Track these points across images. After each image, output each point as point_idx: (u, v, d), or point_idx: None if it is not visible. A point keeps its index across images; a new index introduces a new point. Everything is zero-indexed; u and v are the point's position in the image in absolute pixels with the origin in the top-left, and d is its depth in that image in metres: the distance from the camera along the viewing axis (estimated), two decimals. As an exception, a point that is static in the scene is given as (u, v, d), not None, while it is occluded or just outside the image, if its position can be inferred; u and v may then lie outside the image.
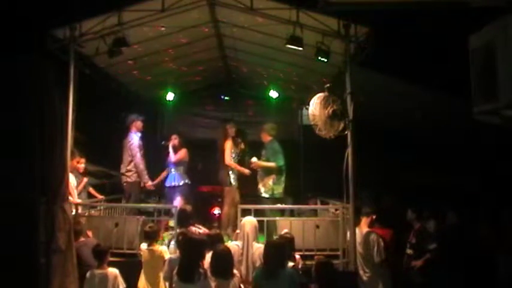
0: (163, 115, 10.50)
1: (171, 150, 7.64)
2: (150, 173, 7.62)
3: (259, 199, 6.97)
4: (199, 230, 5.60)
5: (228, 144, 7.38)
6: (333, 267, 4.56)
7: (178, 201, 7.24)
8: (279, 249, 4.29)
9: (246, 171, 7.26)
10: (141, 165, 7.31)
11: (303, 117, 9.93)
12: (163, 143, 7.85)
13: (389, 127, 8.96)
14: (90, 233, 5.55)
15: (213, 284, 4.14)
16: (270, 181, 6.96)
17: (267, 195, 6.95)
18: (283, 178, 7.03)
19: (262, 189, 7.00)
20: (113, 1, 5.85)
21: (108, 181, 8.91)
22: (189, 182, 7.63)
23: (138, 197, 7.50)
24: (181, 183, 7.53)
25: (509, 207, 6.00)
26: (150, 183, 7.44)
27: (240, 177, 7.43)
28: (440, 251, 5.85)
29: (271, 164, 7.01)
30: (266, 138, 7.22)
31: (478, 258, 5.58)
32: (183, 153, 7.61)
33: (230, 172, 7.33)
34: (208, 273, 4.13)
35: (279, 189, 6.98)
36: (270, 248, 4.33)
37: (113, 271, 4.69)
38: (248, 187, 7.49)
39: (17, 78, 4.32)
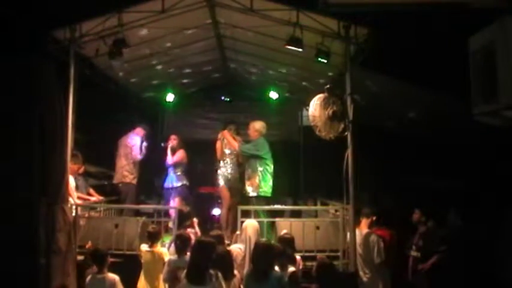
0: (163, 116, 10.49)
1: (169, 151, 7.63)
2: (148, 173, 7.63)
3: (246, 199, 6.78)
4: (191, 231, 5.56)
5: (218, 145, 7.29)
6: (334, 268, 4.54)
7: (176, 203, 7.23)
8: (267, 251, 4.23)
9: (235, 144, 6.96)
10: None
11: (303, 118, 9.93)
12: (162, 144, 7.85)
13: (390, 128, 8.96)
14: (89, 245, 5.39)
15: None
16: (256, 179, 6.79)
17: (255, 194, 6.73)
18: (268, 176, 6.75)
19: (249, 188, 6.78)
20: (113, 2, 5.85)
21: (108, 182, 8.90)
22: (187, 184, 7.61)
23: (133, 199, 7.49)
24: (179, 185, 7.51)
25: (509, 207, 5.99)
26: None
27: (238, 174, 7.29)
28: (449, 252, 5.82)
29: (235, 144, 6.93)
30: (253, 134, 6.96)
31: (482, 258, 5.57)
32: (180, 154, 7.59)
33: (218, 171, 7.20)
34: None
35: (265, 188, 6.71)
36: (258, 250, 4.28)
37: (113, 276, 4.58)
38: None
39: (17, 78, 4.32)
